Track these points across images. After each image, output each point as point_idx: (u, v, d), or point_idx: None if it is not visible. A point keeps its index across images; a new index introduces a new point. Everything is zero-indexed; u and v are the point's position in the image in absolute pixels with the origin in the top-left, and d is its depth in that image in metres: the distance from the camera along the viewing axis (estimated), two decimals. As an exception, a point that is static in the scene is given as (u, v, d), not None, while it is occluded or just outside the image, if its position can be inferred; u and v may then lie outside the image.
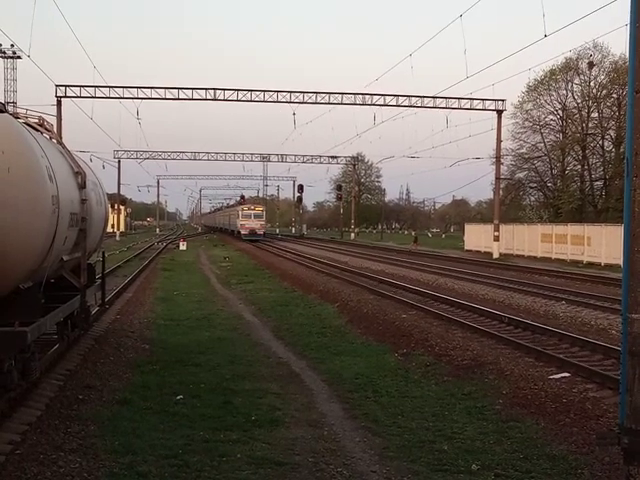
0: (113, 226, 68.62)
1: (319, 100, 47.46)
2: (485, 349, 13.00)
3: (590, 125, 64.69)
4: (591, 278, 28.66)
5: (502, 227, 47.67)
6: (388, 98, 47.12)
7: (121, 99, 45.96)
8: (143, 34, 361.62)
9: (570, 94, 65.22)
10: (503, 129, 49.19)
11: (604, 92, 63.25)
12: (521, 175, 69.10)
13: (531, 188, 70.78)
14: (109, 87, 45.18)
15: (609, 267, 34.92)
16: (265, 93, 46.84)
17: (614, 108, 61.97)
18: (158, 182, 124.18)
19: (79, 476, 6.57)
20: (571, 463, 7.24)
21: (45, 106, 50.17)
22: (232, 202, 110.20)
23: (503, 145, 52.81)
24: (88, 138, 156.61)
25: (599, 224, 43.47)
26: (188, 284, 26.17)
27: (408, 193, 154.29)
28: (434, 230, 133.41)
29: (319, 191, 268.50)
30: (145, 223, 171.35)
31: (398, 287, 24.10)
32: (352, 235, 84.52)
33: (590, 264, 38.16)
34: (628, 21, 5.82)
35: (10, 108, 10.09)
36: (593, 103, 63.99)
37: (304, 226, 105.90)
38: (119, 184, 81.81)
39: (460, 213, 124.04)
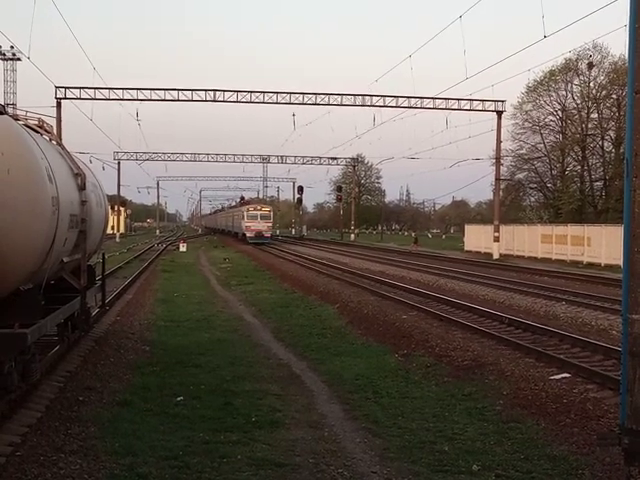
0: (113, 228, 68.51)
1: (319, 101, 47.47)
2: (485, 350, 13.00)
3: (590, 126, 64.63)
4: (591, 279, 28.64)
5: (502, 228, 47.65)
6: (388, 99, 47.14)
7: (121, 100, 46.11)
8: (143, 34, 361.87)
9: (570, 95, 65.25)
10: (503, 130, 49.29)
11: (604, 93, 63.22)
12: (521, 176, 69.06)
13: (531, 189, 70.73)
14: (109, 89, 45.27)
15: (609, 268, 34.89)
16: (265, 94, 46.90)
17: (614, 109, 61.93)
18: (158, 183, 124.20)
19: (79, 478, 6.57)
20: (572, 464, 7.24)
21: (45, 108, 50.19)
22: (232, 203, 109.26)
23: (503, 146, 52.83)
24: (88, 139, 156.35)
25: (599, 225, 43.49)
26: (188, 285, 26.18)
27: (408, 194, 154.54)
28: (434, 231, 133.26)
29: (319, 192, 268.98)
30: (145, 224, 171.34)
31: (398, 288, 24.09)
32: (352, 236, 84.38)
33: (590, 265, 38.13)
34: (627, 22, 5.83)
35: (10, 110, 10.08)
36: (593, 104, 63.95)
37: (304, 227, 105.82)
38: (119, 185, 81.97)
39: (460, 214, 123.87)
